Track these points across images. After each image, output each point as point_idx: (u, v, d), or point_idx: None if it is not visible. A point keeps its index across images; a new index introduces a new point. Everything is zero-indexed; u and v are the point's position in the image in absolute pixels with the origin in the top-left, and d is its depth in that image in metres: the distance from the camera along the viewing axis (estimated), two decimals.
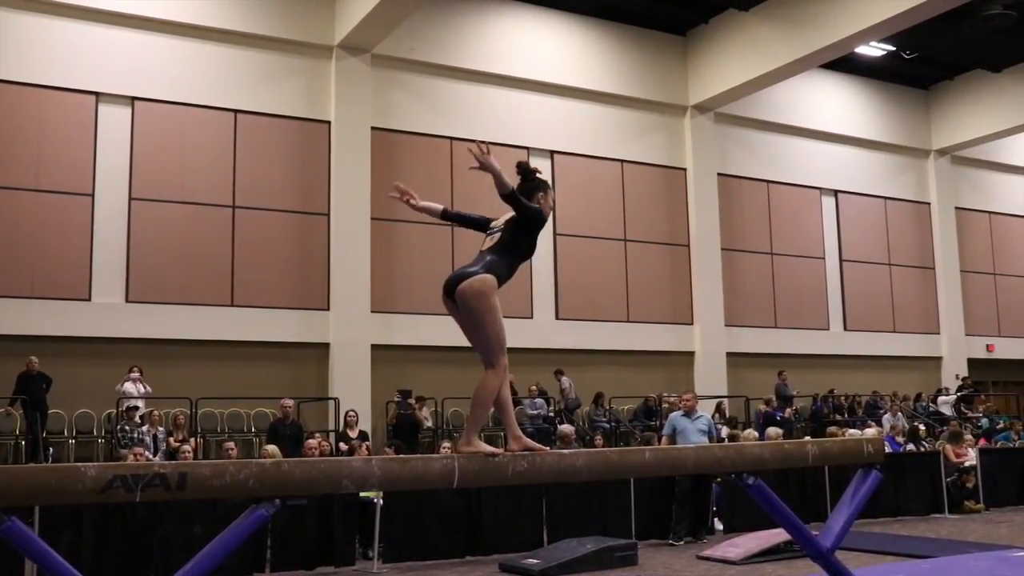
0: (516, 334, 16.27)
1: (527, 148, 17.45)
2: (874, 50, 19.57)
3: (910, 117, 22.35)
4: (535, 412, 15.52)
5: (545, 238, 17.38)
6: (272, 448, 10.48)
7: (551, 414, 15.69)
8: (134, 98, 14.56)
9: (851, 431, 14.96)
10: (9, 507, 3.39)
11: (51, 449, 12.93)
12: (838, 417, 17.84)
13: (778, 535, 8.65)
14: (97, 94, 14.32)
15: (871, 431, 14.43)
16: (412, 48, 16.44)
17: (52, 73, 14.01)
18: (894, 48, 19.63)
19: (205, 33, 14.99)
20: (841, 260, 21.22)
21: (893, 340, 21.42)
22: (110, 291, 14.13)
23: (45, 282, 13.65)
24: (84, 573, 3.64)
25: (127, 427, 12.20)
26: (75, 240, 13.97)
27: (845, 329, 20.94)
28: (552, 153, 17.79)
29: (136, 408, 12.59)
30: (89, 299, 13.96)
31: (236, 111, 15.25)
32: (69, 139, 14.12)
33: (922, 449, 13.89)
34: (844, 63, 20.05)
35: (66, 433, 13.45)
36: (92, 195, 14.16)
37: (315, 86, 15.73)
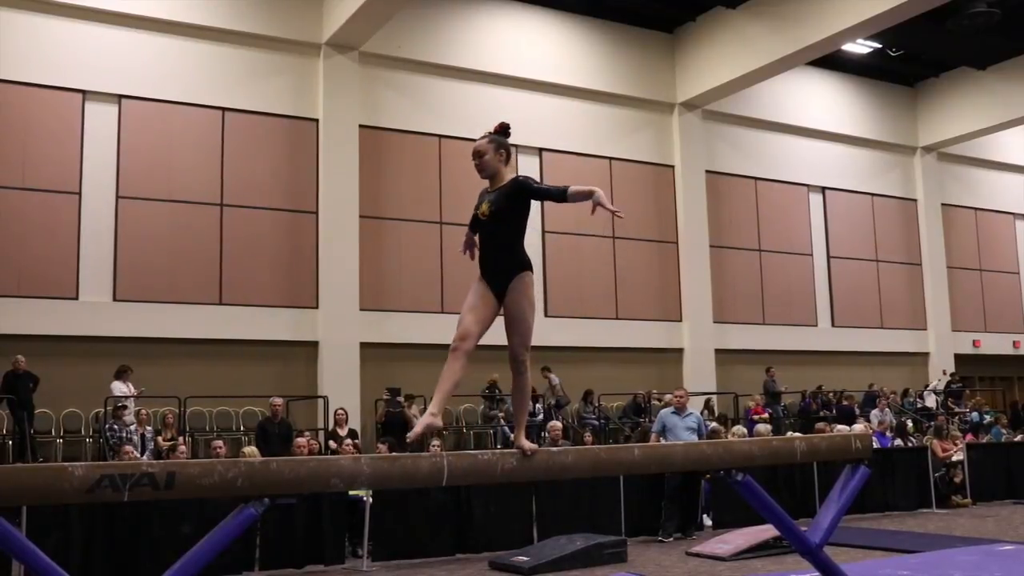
0: (504, 332, 16.37)
1: (515, 145, 17.36)
2: (860, 47, 19.64)
3: (897, 114, 22.44)
4: None
5: (533, 235, 17.40)
6: (250, 449, 10.48)
7: (539, 412, 15.66)
8: (121, 96, 14.48)
9: (839, 427, 15.01)
10: None
11: (38, 449, 12.87)
12: (826, 413, 17.92)
13: (767, 531, 8.68)
14: (84, 92, 14.24)
15: (859, 427, 14.48)
16: (400, 46, 16.41)
17: (38, 71, 13.93)
18: (880, 46, 19.70)
19: (192, 31, 14.93)
20: (829, 257, 21.29)
21: (881, 336, 21.50)
22: (97, 290, 14.07)
23: (32, 281, 13.58)
24: (72, 573, 3.62)
25: (115, 426, 12.17)
26: (62, 238, 13.90)
27: (833, 325, 21.01)
28: (540, 151, 17.79)
29: (125, 407, 12.55)
30: (76, 298, 13.90)
31: (224, 109, 15.19)
32: (56, 137, 14.05)
33: (910, 445, 13.97)
34: (831, 60, 20.13)
35: (54, 432, 13.40)
36: (79, 193, 14.09)
37: (303, 84, 15.69)
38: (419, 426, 4.39)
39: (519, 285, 4.51)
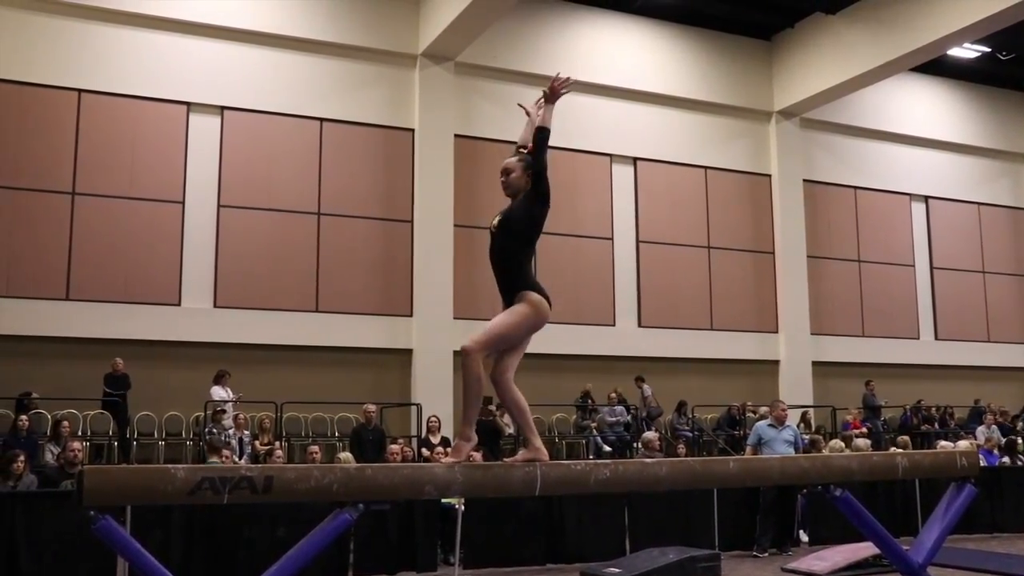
0: (598, 341, 16.40)
1: (610, 155, 17.39)
2: (968, 52, 19.00)
3: (1006, 120, 21.65)
4: (614, 419, 15.42)
5: (628, 245, 17.30)
6: (345, 455, 10.60)
7: (630, 420, 15.56)
8: (223, 107, 14.89)
9: (943, 443, 14.53)
10: (103, 506, 3.47)
11: (132, 450, 13.27)
12: (926, 428, 17.39)
13: (865, 549, 8.43)
14: (188, 104, 14.68)
15: (963, 443, 13.99)
16: (495, 56, 16.51)
17: (145, 84, 14.41)
18: (989, 49, 19.03)
19: (291, 43, 15.27)
20: (932, 267, 20.65)
21: (988, 350, 20.73)
22: (199, 296, 14.46)
23: (137, 287, 14.03)
24: (172, 572, 3.71)
25: (214, 430, 12.46)
26: (166, 246, 14.34)
27: (936, 338, 20.37)
28: (635, 160, 17.68)
29: (223, 411, 12.85)
30: (179, 304, 14.31)
31: (321, 119, 15.49)
32: (161, 148, 14.51)
33: (1020, 463, 13.42)
34: (936, 65, 19.50)
35: (156, 435, 13.80)
36: (183, 202, 14.51)
37: (399, 94, 15.90)
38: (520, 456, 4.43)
39: (516, 300, 4.51)
